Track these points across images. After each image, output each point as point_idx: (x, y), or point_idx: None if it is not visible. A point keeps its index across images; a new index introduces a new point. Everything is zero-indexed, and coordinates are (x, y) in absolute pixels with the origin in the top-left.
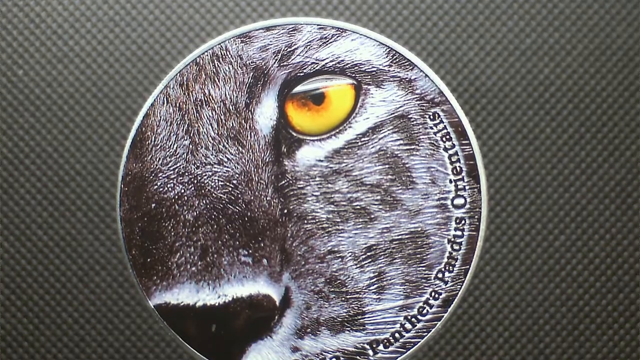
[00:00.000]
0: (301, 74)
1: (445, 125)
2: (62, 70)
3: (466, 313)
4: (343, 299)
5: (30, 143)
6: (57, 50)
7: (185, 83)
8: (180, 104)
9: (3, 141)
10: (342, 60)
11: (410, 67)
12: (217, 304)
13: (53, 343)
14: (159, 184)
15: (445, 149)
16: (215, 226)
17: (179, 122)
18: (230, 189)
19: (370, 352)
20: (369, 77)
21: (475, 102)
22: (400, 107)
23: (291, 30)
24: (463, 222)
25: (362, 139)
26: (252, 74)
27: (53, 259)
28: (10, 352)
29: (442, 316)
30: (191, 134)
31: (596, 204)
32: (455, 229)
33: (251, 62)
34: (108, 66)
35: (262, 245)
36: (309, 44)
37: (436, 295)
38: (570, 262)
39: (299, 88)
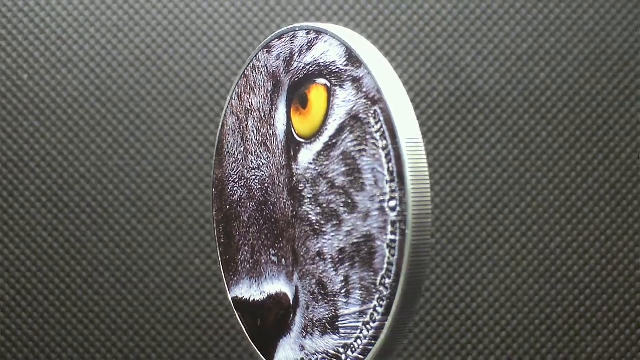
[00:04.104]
0: (297, 79)
1: (382, 124)
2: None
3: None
4: (326, 301)
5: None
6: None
7: (240, 94)
8: (238, 113)
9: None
10: (320, 63)
11: (359, 65)
12: (259, 300)
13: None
14: (229, 187)
15: (383, 148)
16: (257, 227)
17: (237, 131)
18: (263, 191)
19: (343, 357)
20: (335, 77)
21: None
22: (353, 107)
23: (292, 37)
24: (396, 225)
25: (333, 141)
26: (272, 82)
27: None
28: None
29: (384, 324)
30: (244, 141)
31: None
32: (391, 233)
33: (272, 71)
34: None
35: (281, 245)
36: (300, 49)
37: (381, 302)
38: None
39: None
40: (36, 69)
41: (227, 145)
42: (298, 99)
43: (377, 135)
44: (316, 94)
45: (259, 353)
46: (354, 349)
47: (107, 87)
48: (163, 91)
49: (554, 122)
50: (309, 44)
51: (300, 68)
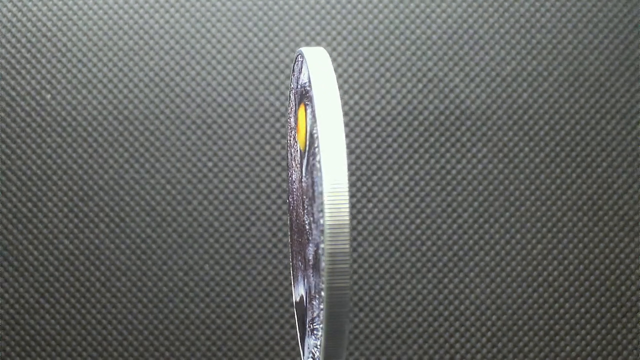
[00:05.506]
0: (298, 99)
1: (318, 141)
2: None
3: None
4: (311, 304)
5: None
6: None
7: (289, 113)
8: (290, 131)
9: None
10: (303, 84)
11: (311, 86)
12: (297, 302)
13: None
14: (289, 198)
15: (319, 162)
16: (295, 234)
17: (289, 147)
18: (295, 202)
19: (315, 355)
20: (307, 98)
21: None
22: (310, 123)
23: (296, 61)
24: (324, 235)
25: (308, 155)
26: (294, 101)
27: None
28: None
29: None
30: (292, 156)
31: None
32: (323, 242)
33: (293, 92)
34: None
35: (300, 251)
36: (299, 71)
37: (321, 306)
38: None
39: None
40: (58, 89)
41: (288, 160)
42: (294, 116)
43: (317, 150)
44: (301, 112)
45: (301, 351)
46: (318, 350)
47: (123, 106)
48: (175, 110)
49: (536, 138)
50: (300, 67)
51: (298, 89)
